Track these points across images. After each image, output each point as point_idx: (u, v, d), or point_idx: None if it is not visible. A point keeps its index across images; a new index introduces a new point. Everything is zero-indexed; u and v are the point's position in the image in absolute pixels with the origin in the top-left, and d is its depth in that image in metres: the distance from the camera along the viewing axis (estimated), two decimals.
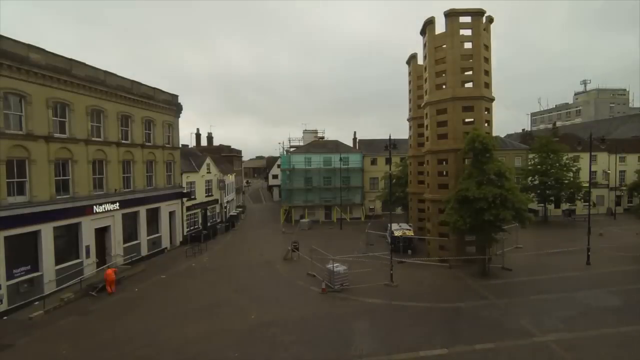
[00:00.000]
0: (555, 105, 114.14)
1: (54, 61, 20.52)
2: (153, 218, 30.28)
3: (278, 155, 62.08)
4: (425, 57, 27.85)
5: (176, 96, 33.80)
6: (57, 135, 20.81)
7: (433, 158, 26.58)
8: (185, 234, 34.84)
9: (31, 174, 19.09)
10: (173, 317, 17.35)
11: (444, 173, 26.35)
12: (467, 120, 25.33)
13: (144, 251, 28.63)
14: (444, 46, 25.63)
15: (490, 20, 25.80)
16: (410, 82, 34.62)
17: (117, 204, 25.35)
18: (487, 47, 25.51)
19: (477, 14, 24.73)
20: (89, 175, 23.07)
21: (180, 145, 35.59)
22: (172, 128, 33.35)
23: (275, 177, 75.71)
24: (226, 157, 54.43)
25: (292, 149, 53.82)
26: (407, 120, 35.54)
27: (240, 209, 55.83)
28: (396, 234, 28.94)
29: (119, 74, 26.09)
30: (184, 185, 35.10)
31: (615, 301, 18.12)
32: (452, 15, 24.83)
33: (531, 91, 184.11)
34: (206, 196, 40.00)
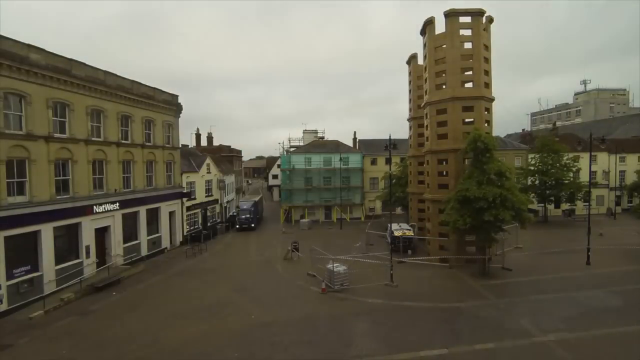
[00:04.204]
0: (555, 105, 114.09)
1: (54, 61, 20.52)
2: (153, 218, 30.28)
3: (278, 155, 62.14)
4: (425, 57, 27.86)
5: (176, 96, 33.81)
6: (57, 135, 20.81)
7: (433, 158, 26.58)
8: (185, 234, 34.84)
9: (31, 174, 19.09)
10: (173, 317, 17.35)
11: (444, 173, 26.35)
12: (467, 120, 25.34)
13: (144, 251, 28.62)
14: (444, 46, 25.61)
15: (490, 20, 25.79)
16: (410, 82, 34.63)
17: (117, 204, 25.35)
18: (487, 47, 25.51)
19: (477, 14, 24.72)
20: (89, 175, 23.07)
21: (180, 145, 35.60)
22: (172, 128, 33.35)
23: (275, 177, 75.75)
24: (226, 157, 54.44)
25: (292, 149, 53.83)
26: (407, 120, 35.55)
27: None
28: (396, 234, 28.92)
29: (118, 73, 26.15)
30: (184, 185, 35.11)
31: (615, 301, 18.11)
32: (452, 15, 24.81)
33: (531, 91, 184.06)
34: (206, 196, 40.00)
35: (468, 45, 25.26)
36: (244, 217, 41.24)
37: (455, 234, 23.42)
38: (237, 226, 41.12)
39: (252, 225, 41.18)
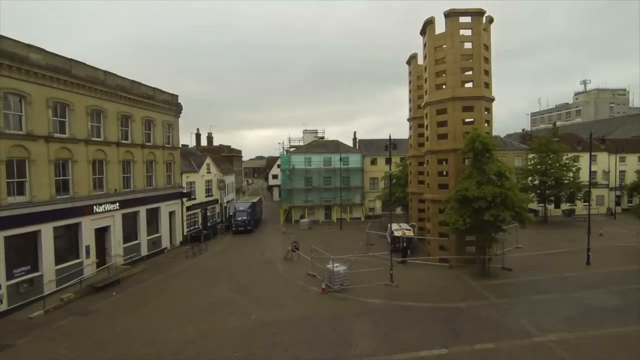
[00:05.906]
0: (555, 105, 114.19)
1: (54, 61, 20.52)
2: (153, 218, 30.28)
3: (278, 155, 62.13)
4: (425, 57, 27.86)
5: (176, 96, 33.82)
6: (57, 135, 20.81)
7: (433, 158, 26.58)
8: (185, 234, 34.85)
9: (31, 174, 19.09)
10: (173, 317, 17.34)
11: (444, 173, 26.35)
12: (467, 120, 25.35)
13: (144, 251, 28.62)
14: (444, 46, 25.62)
15: (490, 20, 25.79)
16: (410, 82, 34.65)
17: (117, 204, 25.35)
18: (487, 47, 25.51)
19: (477, 14, 24.72)
20: (89, 175, 23.07)
21: (180, 145, 35.61)
22: (172, 128, 33.36)
23: (275, 177, 75.75)
24: (226, 157, 54.48)
25: (292, 149, 53.84)
26: (407, 120, 35.56)
27: None
28: (396, 234, 28.74)
29: (119, 74, 26.17)
30: (184, 185, 35.12)
31: (615, 301, 18.12)
32: (452, 15, 24.81)
33: (531, 91, 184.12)
34: (206, 196, 40.00)
35: (468, 45, 25.27)
36: (240, 219, 39.64)
37: (455, 234, 23.42)
38: (233, 229, 39.74)
39: (249, 228, 39.75)
